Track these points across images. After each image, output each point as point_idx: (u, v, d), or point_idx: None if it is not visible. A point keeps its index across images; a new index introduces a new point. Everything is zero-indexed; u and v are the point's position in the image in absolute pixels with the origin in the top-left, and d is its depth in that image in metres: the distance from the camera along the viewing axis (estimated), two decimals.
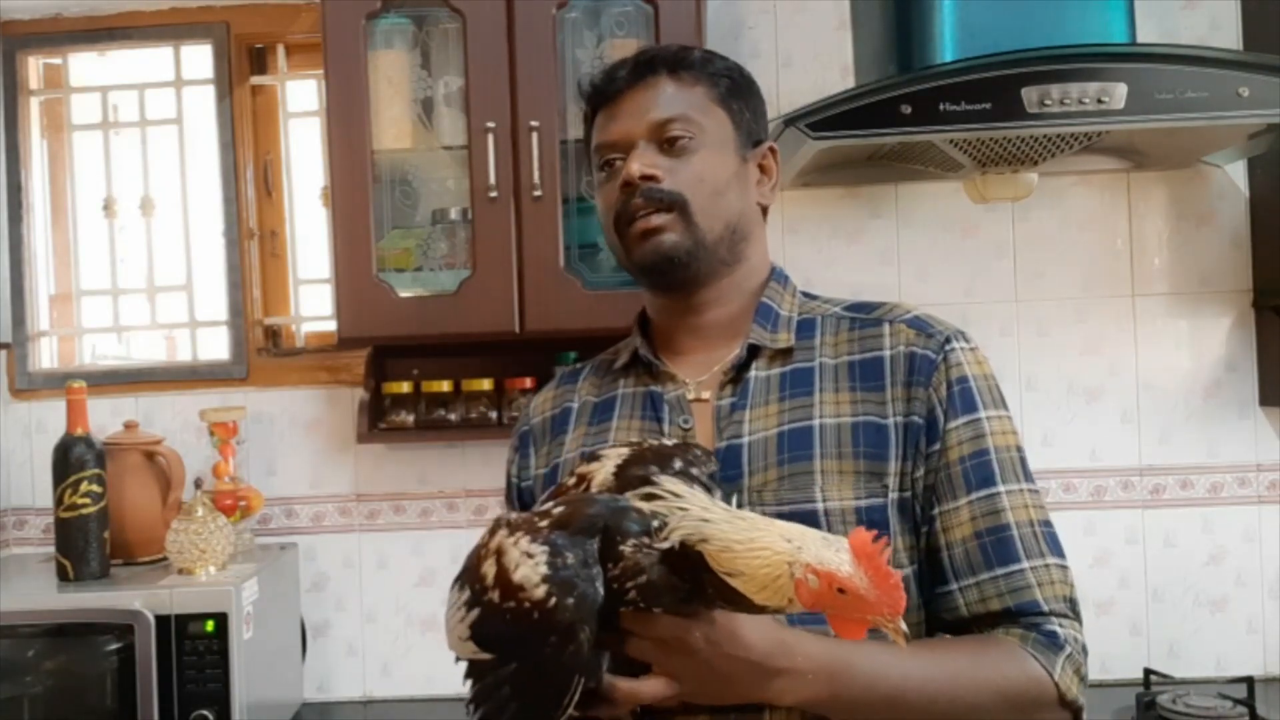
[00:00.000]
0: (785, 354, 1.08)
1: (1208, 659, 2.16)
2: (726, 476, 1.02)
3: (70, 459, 1.92)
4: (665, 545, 0.82)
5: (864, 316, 1.10)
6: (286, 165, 2.34)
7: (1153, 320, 2.20)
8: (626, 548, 0.82)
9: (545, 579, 0.79)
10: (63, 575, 1.91)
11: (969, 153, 1.83)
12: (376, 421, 2.11)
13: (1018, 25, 1.83)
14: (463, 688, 0.87)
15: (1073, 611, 1.01)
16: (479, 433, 2.11)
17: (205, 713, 1.75)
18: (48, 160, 2.38)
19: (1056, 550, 1.02)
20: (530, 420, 1.22)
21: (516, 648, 0.82)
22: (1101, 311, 2.19)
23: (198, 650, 1.75)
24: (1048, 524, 1.03)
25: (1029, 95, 1.70)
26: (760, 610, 0.82)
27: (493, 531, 0.86)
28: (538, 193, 1.89)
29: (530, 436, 1.20)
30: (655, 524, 0.83)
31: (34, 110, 2.35)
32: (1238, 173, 2.18)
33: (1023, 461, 1.04)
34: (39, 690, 1.78)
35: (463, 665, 0.89)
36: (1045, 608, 0.99)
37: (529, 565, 0.80)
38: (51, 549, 1.95)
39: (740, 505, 0.96)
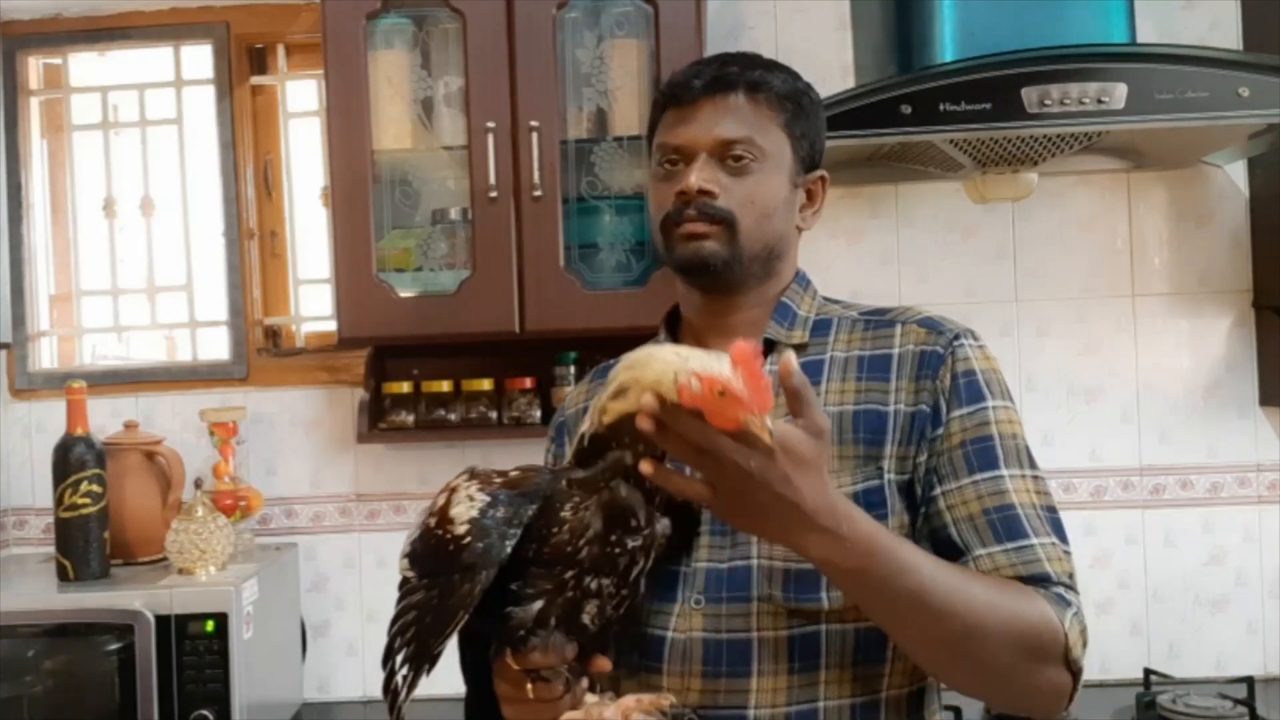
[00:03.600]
0: (799, 350, 1.13)
1: (1208, 659, 2.16)
2: None
3: (70, 459, 1.92)
4: (588, 432, 0.92)
5: (878, 319, 1.15)
6: (286, 165, 2.34)
7: (1153, 320, 2.20)
8: (566, 512, 0.91)
9: (471, 520, 0.90)
10: (63, 575, 1.91)
11: (969, 153, 1.83)
12: (376, 421, 2.11)
13: (1018, 25, 1.83)
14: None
15: (1077, 587, 1.05)
16: (479, 433, 2.11)
17: (205, 713, 1.75)
18: (48, 160, 2.38)
19: (1060, 534, 1.06)
20: (565, 412, 1.30)
21: (431, 572, 0.93)
22: (1101, 311, 2.19)
23: (198, 650, 1.76)
24: (1052, 510, 1.07)
25: (1029, 95, 1.70)
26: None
27: (459, 475, 0.97)
28: (538, 193, 1.89)
29: (565, 427, 1.27)
30: (569, 479, 0.92)
31: (34, 110, 2.35)
32: (1238, 173, 2.18)
33: (1027, 450, 1.08)
34: (39, 690, 1.78)
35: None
36: (1054, 579, 1.03)
37: (466, 505, 0.92)
38: (51, 549, 1.96)
39: None
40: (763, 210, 1.12)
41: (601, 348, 2.07)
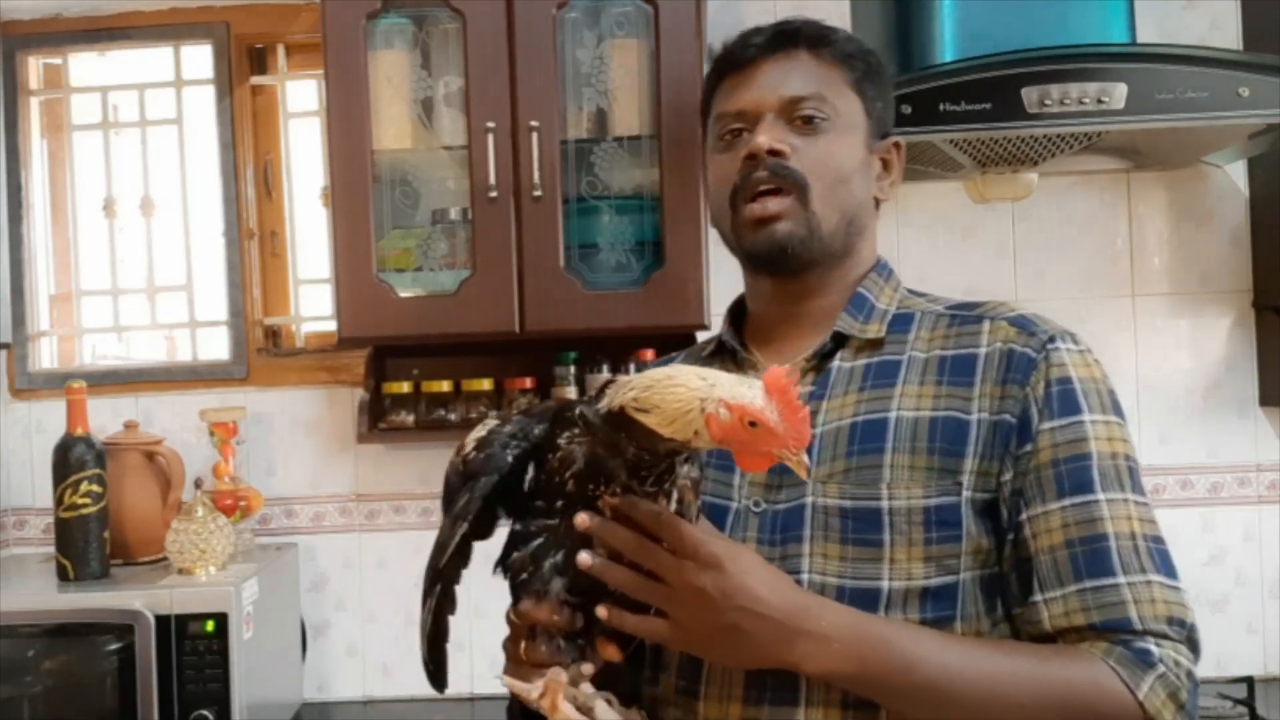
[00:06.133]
0: (875, 345, 1.02)
1: (1208, 659, 2.14)
2: None
3: (70, 459, 1.92)
4: (603, 408, 0.84)
5: (965, 314, 1.02)
6: (286, 165, 2.34)
7: (1153, 320, 2.20)
8: (562, 439, 0.86)
9: (477, 439, 0.88)
10: (63, 575, 1.91)
11: (969, 153, 1.83)
12: (376, 421, 2.11)
13: (1018, 25, 1.83)
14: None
15: (1182, 637, 0.91)
16: None
17: (205, 713, 1.75)
18: (48, 160, 2.37)
19: (1165, 569, 0.93)
20: None
21: (449, 504, 0.90)
22: (1101, 311, 2.19)
23: (198, 650, 1.75)
24: (1158, 540, 0.94)
25: (1029, 95, 1.70)
26: (669, 449, 0.82)
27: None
28: (538, 193, 1.89)
29: None
30: (581, 411, 0.87)
31: (34, 110, 2.35)
32: (1238, 173, 2.18)
33: (1132, 472, 0.94)
34: (39, 690, 1.78)
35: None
36: (1138, 626, 0.89)
37: (478, 430, 0.90)
38: (51, 549, 1.96)
39: (805, 497, 0.96)
40: (837, 174, 1.01)
41: (601, 348, 2.08)
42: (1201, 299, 2.19)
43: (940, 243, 2.21)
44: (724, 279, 2.17)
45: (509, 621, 0.91)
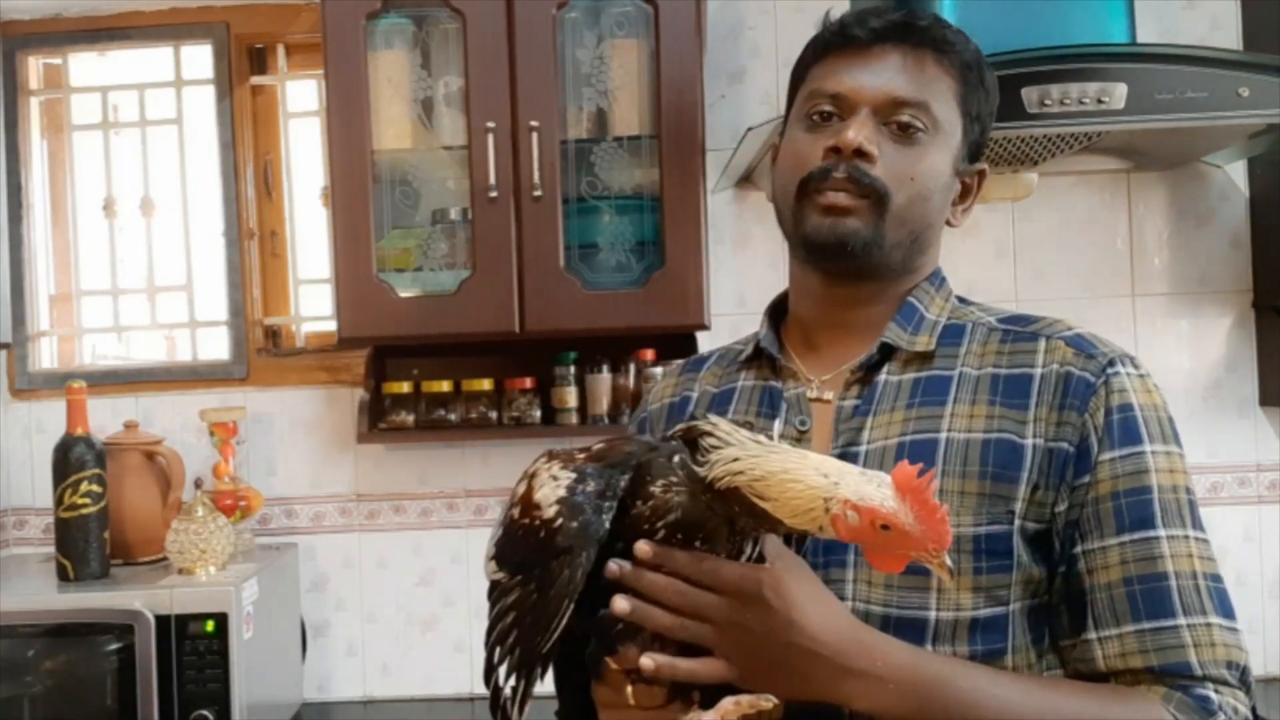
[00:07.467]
0: (924, 359, 0.98)
1: None
2: None
3: (70, 459, 1.92)
4: (704, 478, 0.80)
5: (1019, 329, 0.98)
6: (286, 165, 2.34)
7: (1153, 320, 2.20)
8: (656, 487, 0.81)
9: (559, 500, 0.81)
10: (63, 575, 1.91)
11: None
12: (376, 421, 2.11)
13: (1018, 25, 1.83)
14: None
15: (1238, 680, 0.88)
16: (479, 433, 2.11)
17: (205, 713, 1.75)
18: (48, 160, 2.37)
19: (1224, 609, 0.89)
20: (649, 407, 1.14)
21: (523, 567, 0.83)
22: (1101, 311, 2.19)
23: (198, 650, 1.76)
24: (1216, 579, 0.90)
25: (1029, 95, 1.70)
26: (791, 532, 0.79)
27: (536, 459, 0.87)
28: (538, 193, 1.89)
29: (647, 423, 1.12)
30: (682, 460, 0.82)
31: (34, 110, 2.35)
32: (1238, 173, 2.18)
33: (1192, 506, 0.92)
34: (39, 690, 1.78)
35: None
36: (1198, 671, 0.86)
37: (551, 486, 0.82)
38: (51, 549, 1.96)
39: None
40: (920, 190, 0.95)
41: (601, 348, 2.08)
42: (1201, 299, 2.19)
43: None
44: (724, 279, 2.17)
45: (605, 669, 0.86)
